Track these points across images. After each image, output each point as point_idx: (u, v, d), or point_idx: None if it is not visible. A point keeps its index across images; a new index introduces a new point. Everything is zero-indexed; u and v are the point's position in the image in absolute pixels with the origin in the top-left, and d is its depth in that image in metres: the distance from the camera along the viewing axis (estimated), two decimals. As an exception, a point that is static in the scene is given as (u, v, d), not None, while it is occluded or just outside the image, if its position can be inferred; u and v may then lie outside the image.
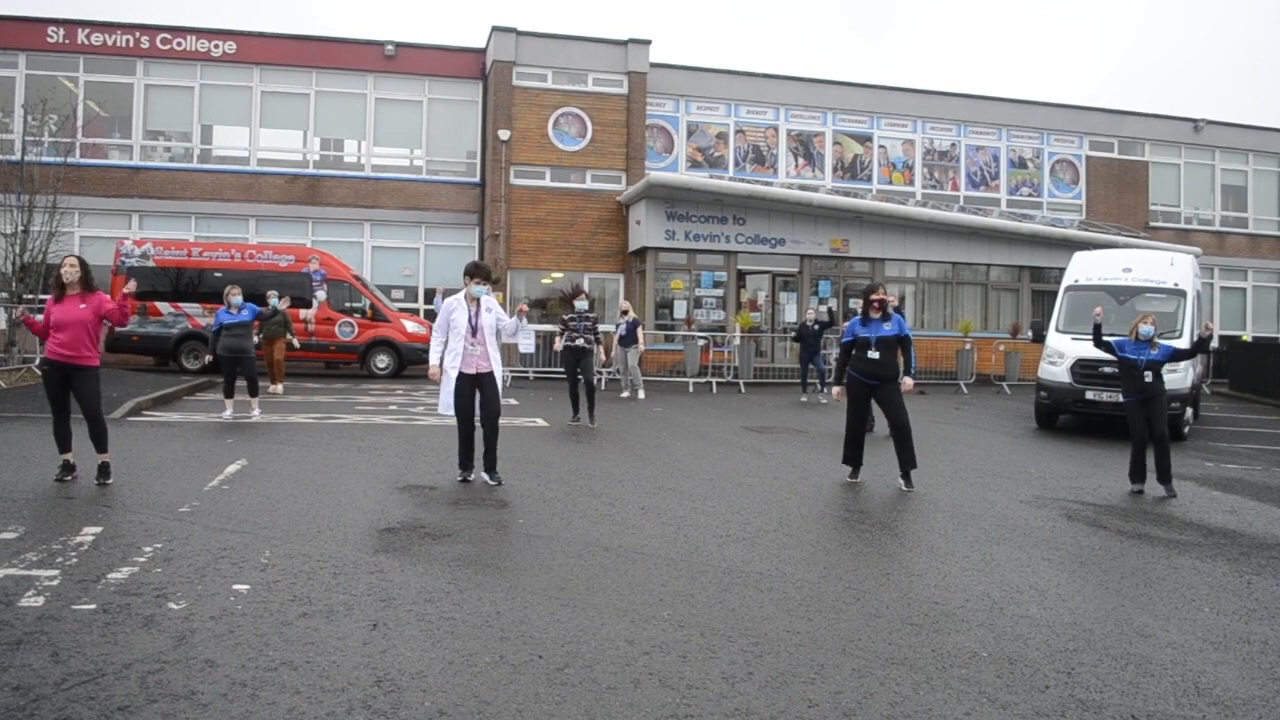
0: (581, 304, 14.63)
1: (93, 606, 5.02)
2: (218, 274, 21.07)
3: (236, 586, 5.47)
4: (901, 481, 9.62)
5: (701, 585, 5.88)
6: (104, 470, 8.39)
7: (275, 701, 3.95)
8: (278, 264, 21.66)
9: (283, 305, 16.73)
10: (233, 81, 26.94)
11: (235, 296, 13.93)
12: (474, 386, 8.96)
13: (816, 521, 7.98)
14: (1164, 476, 9.96)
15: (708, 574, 6.13)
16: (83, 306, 8.36)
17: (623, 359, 18.78)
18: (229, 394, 13.61)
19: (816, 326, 19.79)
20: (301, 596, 5.34)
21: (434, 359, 8.96)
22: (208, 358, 13.90)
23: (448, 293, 18.25)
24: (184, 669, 4.25)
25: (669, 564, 6.33)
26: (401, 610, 5.16)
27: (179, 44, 26.49)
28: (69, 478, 8.39)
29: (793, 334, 21.39)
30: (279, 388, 17.28)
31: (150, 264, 21.28)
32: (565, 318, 14.76)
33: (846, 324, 10.10)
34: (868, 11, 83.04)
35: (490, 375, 8.98)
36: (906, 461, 9.62)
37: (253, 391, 13.93)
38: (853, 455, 9.91)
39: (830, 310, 22.64)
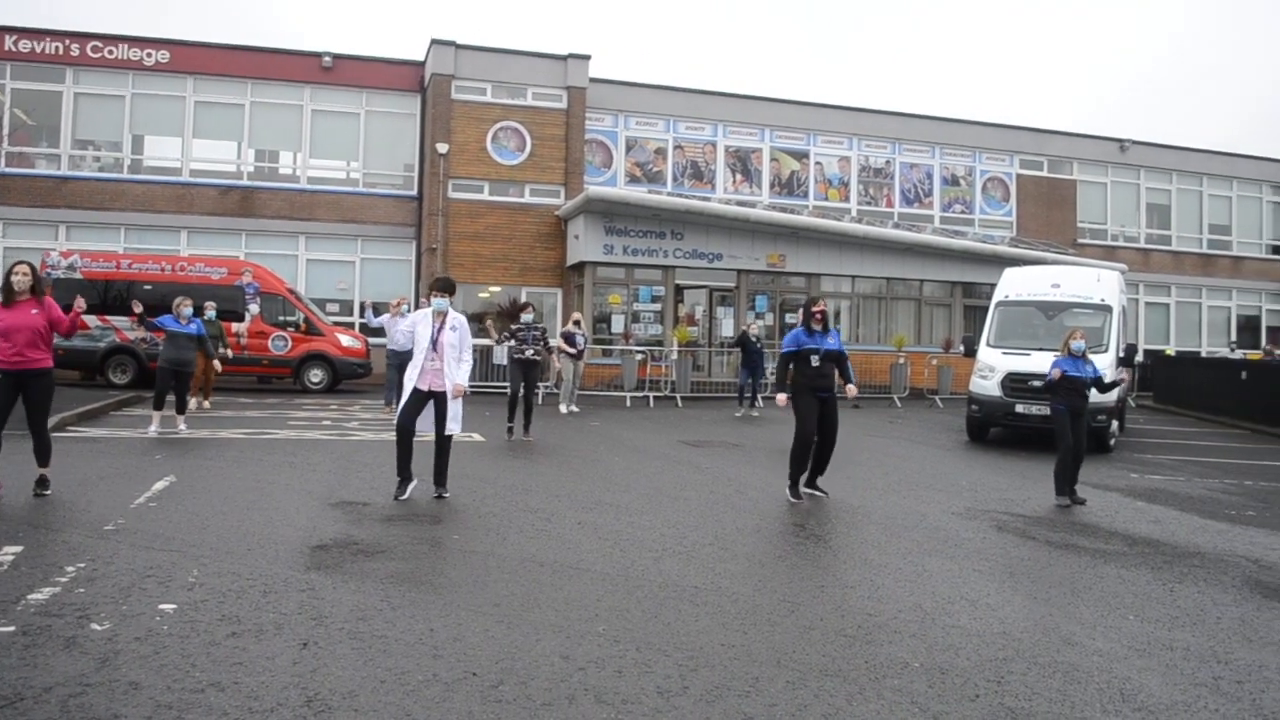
0: (528, 316, 14.60)
1: (11, 629, 4.87)
2: (148, 286, 20.63)
3: (163, 606, 5.35)
4: (808, 488, 9.90)
5: (637, 600, 5.87)
6: (43, 482, 8.36)
7: (201, 723, 3.86)
8: (210, 277, 21.25)
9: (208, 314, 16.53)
10: (166, 91, 26.42)
11: (186, 308, 13.72)
12: (426, 402, 8.94)
13: (752, 535, 8.02)
14: (1073, 486, 10.26)
15: (643, 588, 6.12)
16: (34, 312, 8.25)
17: (570, 371, 18.69)
18: (159, 406, 13.24)
19: (759, 343, 19.96)
20: (230, 616, 5.23)
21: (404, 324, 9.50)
22: (137, 308, 13.37)
23: (378, 306, 18.16)
24: (107, 692, 4.14)
25: (605, 579, 6.32)
26: (333, 628, 5.08)
27: (111, 52, 25.94)
28: None
29: (731, 342, 21.51)
30: (205, 403, 16.91)
31: (77, 276, 20.70)
32: (514, 328, 14.64)
33: (789, 334, 10.16)
34: (811, 28, 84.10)
35: (445, 395, 8.93)
36: (821, 468, 10.01)
37: (180, 408, 13.63)
38: (801, 465, 9.79)
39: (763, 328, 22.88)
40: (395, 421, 9.09)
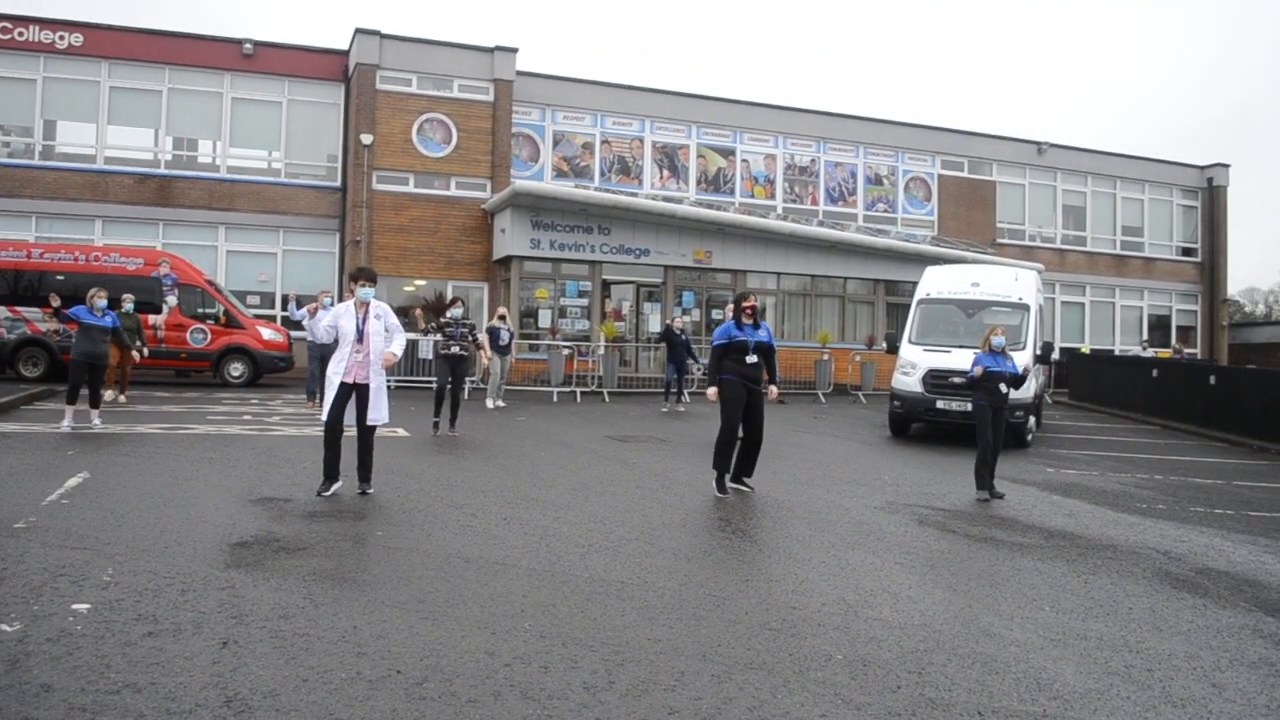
0: (456, 310, 14.47)
1: (-85, 630, 4.71)
2: (60, 276, 20.04)
3: (76, 606, 5.20)
4: (734, 484, 10.00)
5: (563, 595, 5.87)
6: None
7: (116, 726, 3.77)
8: (125, 267, 20.69)
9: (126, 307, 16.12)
10: (79, 75, 25.65)
11: (100, 299, 13.41)
12: (350, 396, 8.80)
13: (678, 530, 8.06)
14: (991, 481, 10.46)
15: (570, 584, 6.12)
16: None
17: (498, 366, 18.52)
18: (72, 400, 12.92)
19: (684, 335, 19.95)
20: (147, 615, 5.11)
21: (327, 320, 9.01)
22: (54, 302, 13.26)
23: (300, 299, 17.87)
24: (17, 695, 4.02)
25: (531, 574, 6.30)
26: (254, 627, 5.00)
27: (20, 34, 25.08)
28: None
29: (657, 337, 21.48)
30: (121, 397, 16.45)
31: (-15, 265, 20.08)
32: (441, 323, 14.50)
33: (720, 327, 10.22)
34: (737, 27, 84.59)
35: (368, 387, 8.83)
36: (748, 470, 10.07)
37: (94, 402, 13.27)
38: (726, 459, 9.86)
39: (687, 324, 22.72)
40: (324, 419, 8.86)
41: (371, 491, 8.84)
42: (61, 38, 25.35)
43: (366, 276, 8.96)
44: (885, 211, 32.72)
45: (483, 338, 16.99)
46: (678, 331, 19.91)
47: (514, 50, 27.39)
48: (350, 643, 4.84)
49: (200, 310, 21.29)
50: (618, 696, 4.33)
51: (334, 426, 8.77)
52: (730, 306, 10.71)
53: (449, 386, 14.09)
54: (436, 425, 14.03)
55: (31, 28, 25.22)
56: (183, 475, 9.49)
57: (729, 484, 9.92)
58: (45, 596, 5.35)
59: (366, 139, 25.71)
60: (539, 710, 4.13)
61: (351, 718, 3.96)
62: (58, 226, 25.18)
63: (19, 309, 20.08)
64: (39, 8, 27.17)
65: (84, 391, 13.16)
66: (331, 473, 8.84)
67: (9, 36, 25.03)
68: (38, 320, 19.95)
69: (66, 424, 12.68)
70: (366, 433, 8.93)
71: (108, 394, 15.73)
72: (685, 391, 20.31)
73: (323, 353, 13.25)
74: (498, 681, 4.43)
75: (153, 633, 4.84)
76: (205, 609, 5.26)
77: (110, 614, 5.11)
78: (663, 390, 20.54)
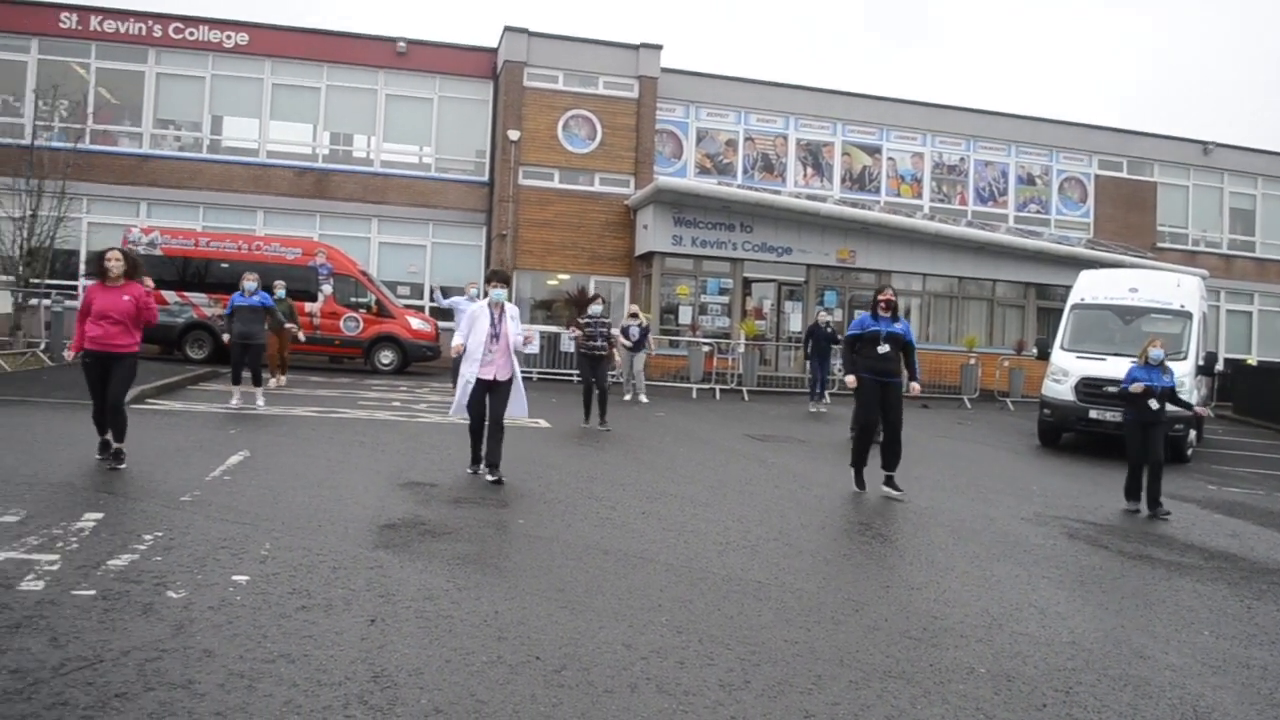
0: (597, 308, 14.60)
1: (92, 592, 5.02)
2: (224, 264, 21.13)
3: (236, 577, 5.47)
4: (885, 487, 9.73)
5: (700, 592, 5.87)
6: (118, 455, 8.61)
7: (272, 694, 3.95)
8: (284, 256, 21.67)
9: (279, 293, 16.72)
10: (244, 73, 26.94)
11: (250, 282, 13.98)
12: (486, 393, 9.10)
13: (817, 532, 7.97)
14: (1154, 503, 9.95)
15: (707, 581, 6.13)
16: (126, 299, 8.67)
17: (629, 363, 18.50)
18: (236, 380, 13.77)
19: (829, 329, 19.30)
20: (300, 589, 5.34)
21: (458, 339, 9.17)
22: (225, 337, 13.98)
23: (446, 290, 18.26)
24: (182, 658, 4.25)
25: (668, 569, 6.33)
26: (400, 607, 5.16)
27: (191, 34, 26.49)
28: (107, 456, 8.69)
29: (803, 334, 21.07)
30: (281, 380, 17.12)
31: (157, 252, 21.26)
32: (582, 321, 14.62)
33: (855, 319, 10.13)
34: (886, 22, 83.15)
35: (505, 385, 9.12)
36: (892, 461, 9.78)
37: (256, 380, 13.94)
38: (861, 454, 9.86)
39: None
40: (466, 421, 9.39)
41: (505, 481, 8.96)
42: (229, 37, 26.65)
43: (500, 279, 9.22)
44: (1038, 212, 31.63)
45: (616, 334, 16.96)
46: (823, 324, 19.29)
47: (659, 47, 27.50)
48: (491, 627, 4.95)
49: (353, 299, 22.09)
50: (753, 696, 4.31)
51: (478, 429, 9.28)
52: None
53: (594, 383, 14.20)
54: (588, 422, 14.20)
55: (202, 28, 26.59)
56: (335, 458, 9.88)
57: (883, 488, 9.72)
58: (208, 567, 5.64)
59: (514, 135, 26.21)
60: (674, 705, 4.14)
61: (491, 700, 4.05)
62: (223, 217, 26.49)
63: (187, 294, 21.22)
64: (209, 9, 28.63)
65: (246, 374, 13.85)
66: (477, 458, 9.39)
67: (181, 36, 26.45)
68: (204, 305, 21.06)
69: (234, 402, 13.55)
70: (499, 428, 9.18)
71: (271, 381, 16.37)
72: (827, 392, 19.85)
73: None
74: (634, 674, 4.46)
75: (306, 606, 5.05)
76: (355, 586, 5.46)
77: (267, 586, 5.35)
78: (807, 390, 20.20)
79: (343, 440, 11.14)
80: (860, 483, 9.86)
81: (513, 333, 9.11)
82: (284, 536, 6.46)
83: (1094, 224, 31.93)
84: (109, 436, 8.70)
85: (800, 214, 25.42)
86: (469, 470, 9.37)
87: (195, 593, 5.15)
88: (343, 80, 27.44)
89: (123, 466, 8.44)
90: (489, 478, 8.98)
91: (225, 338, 14.11)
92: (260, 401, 13.79)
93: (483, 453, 9.27)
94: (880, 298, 9.84)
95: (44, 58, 25.87)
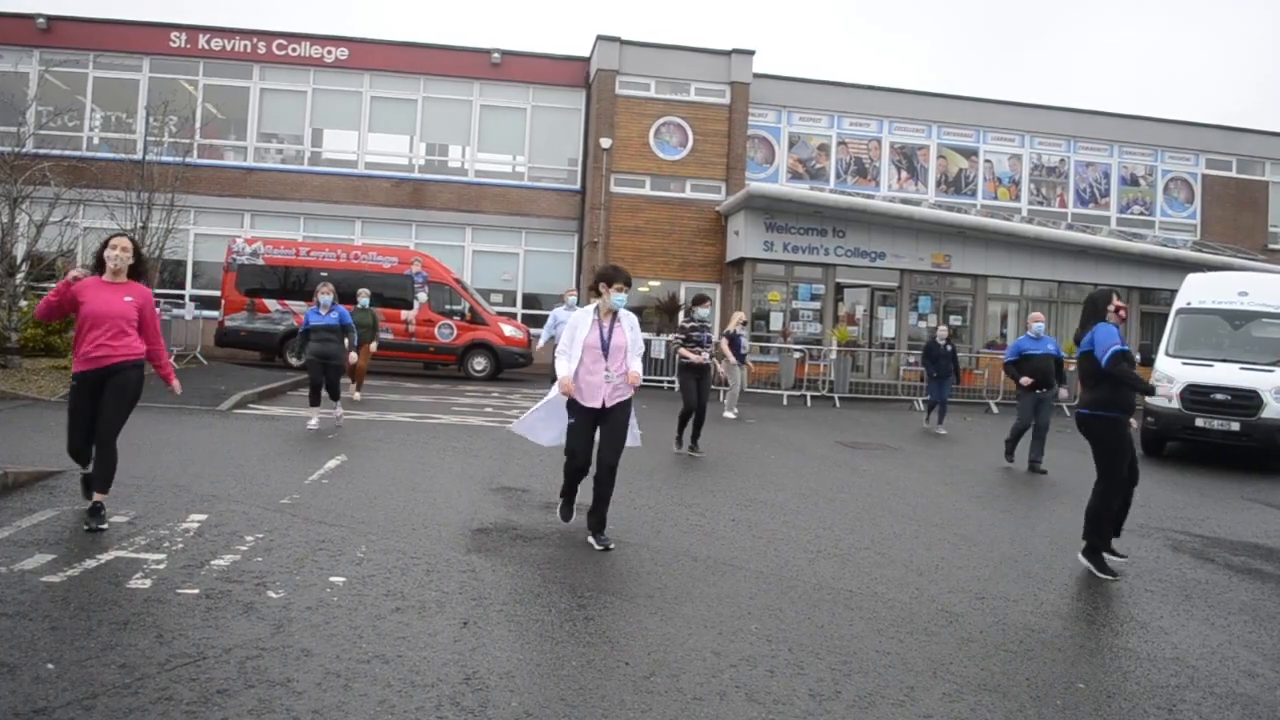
0: (704, 311, 12.82)
1: (196, 591, 5.20)
2: (323, 274, 21.62)
3: (333, 578, 5.61)
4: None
5: (790, 600, 5.83)
6: (96, 513, 6.42)
7: (367, 694, 4.03)
8: (381, 265, 22.14)
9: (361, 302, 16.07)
10: (343, 87, 27.66)
11: (325, 295, 12.82)
12: (595, 423, 7.06)
13: (910, 541, 7.84)
14: None
15: (797, 589, 6.08)
16: (127, 299, 6.66)
17: (738, 376, 17.10)
18: (315, 401, 12.57)
19: (950, 347, 17.51)
20: (395, 591, 5.44)
21: (563, 369, 6.94)
22: (293, 360, 12.78)
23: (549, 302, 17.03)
24: (281, 656, 4.37)
25: (758, 577, 6.30)
26: (492, 610, 5.23)
27: (294, 49, 27.30)
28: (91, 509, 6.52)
29: (891, 341, 20.41)
30: (358, 394, 16.18)
31: (260, 262, 21.97)
32: (687, 326, 12.65)
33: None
34: (979, 23, 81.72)
35: (620, 408, 7.08)
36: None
37: (334, 395, 12.79)
38: (1107, 521, 7.39)
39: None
40: (531, 435, 7.57)
41: (608, 546, 6.83)
42: (329, 52, 27.40)
43: (622, 279, 7.08)
44: (1141, 214, 30.72)
45: (723, 344, 15.83)
46: (942, 343, 17.41)
47: (751, 53, 27.45)
48: (581, 632, 4.98)
49: (448, 306, 22.46)
50: (844, 707, 4.26)
51: (583, 467, 7.15)
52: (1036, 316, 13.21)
53: (696, 400, 12.18)
54: (681, 448, 12.28)
55: (303, 44, 27.39)
56: (429, 462, 10.05)
57: (1107, 561, 7.19)
58: (306, 568, 5.79)
59: (605, 143, 26.40)
60: (764, 713, 4.12)
61: (581, 704, 4.07)
62: (323, 227, 27.24)
63: (288, 302, 21.81)
64: (310, 25, 29.34)
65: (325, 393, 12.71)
66: (570, 502, 7.43)
67: (284, 52, 27.29)
68: (303, 313, 21.59)
69: (313, 423, 12.35)
70: (610, 475, 7.04)
71: (354, 394, 15.75)
72: (930, 414, 17.52)
73: None
74: (723, 681, 4.44)
75: (400, 608, 5.15)
76: (448, 589, 5.55)
77: (363, 588, 5.46)
78: (909, 399, 19.49)
79: (436, 445, 11.33)
80: (1104, 565, 7.15)
81: (630, 346, 7.08)
82: (379, 539, 6.60)
83: (1201, 225, 30.89)
84: (89, 470, 6.66)
85: (894, 218, 25.10)
86: (560, 518, 7.44)
87: (294, 593, 5.29)
88: (438, 92, 27.97)
89: (104, 528, 6.36)
90: (595, 545, 6.81)
91: (294, 360, 12.16)
92: (339, 412, 13.06)
93: (575, 502, 7.44)
94: (1115, 304, 7.54)
95: (155, 76, 26.93)
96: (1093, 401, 7.25)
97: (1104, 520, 7.15)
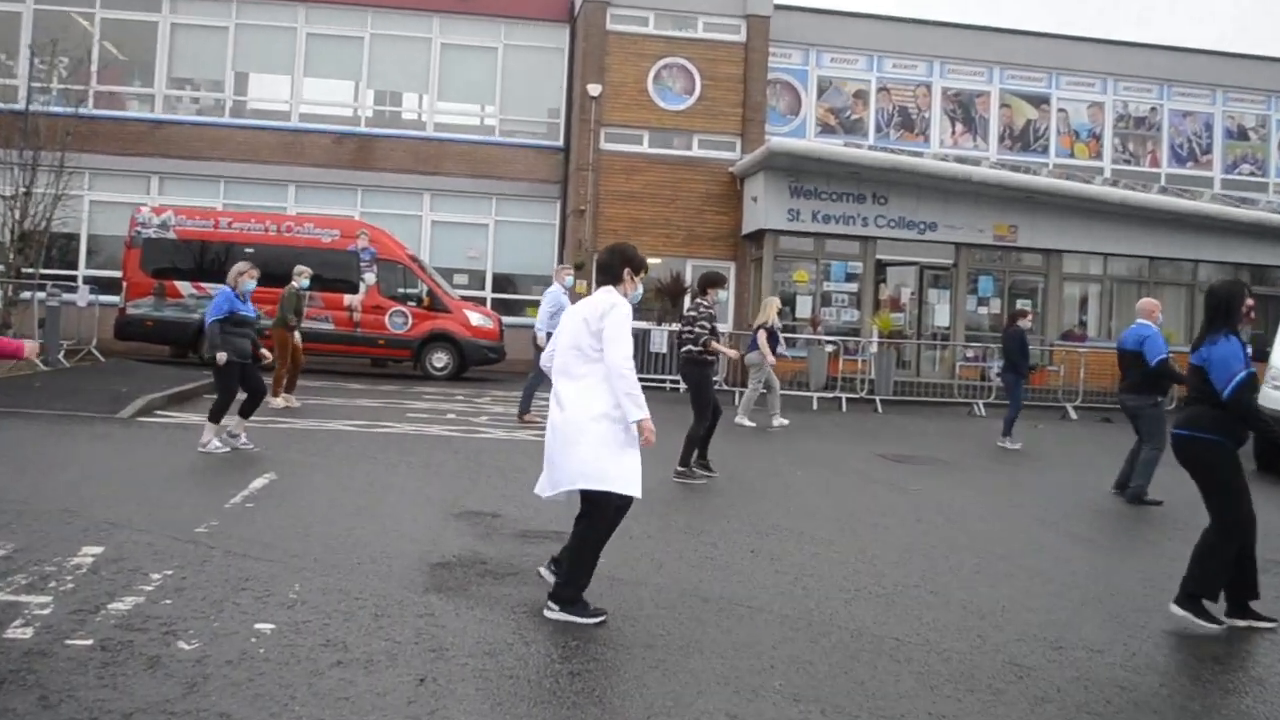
0: (723, 293, 12.40)
1: (89, 642, 5.15)
2: (249, 249, 21.44)
3: (259, 626, 5.56)
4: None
5: (823, 650, 5.80)
6: None
7: (300, 769, 3.99)
8: (320, 239, 22.04)
9: (300, 283, 15.58)
10: (273, 22, 27.57)
11: (249, 281, 11.63)
12: None
13: (971, 577, 7.81)
14: None
15: (831, 636, 6.05)
16: None
17: (766, 374, 16.96)
18: (216, 417, 11.28)
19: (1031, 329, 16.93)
20: (336, 641, 5.40)
21: (640, 408, 6.14)
22: (221, 356, 11.05)
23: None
24: (194, 723, 4.32)
25: (783, 622, 6.27)
26: (455, 664, 5.19)
27: (213, -24, 27.25)
28: None
29: (947, 331, 20.19)
30: (295, 401, 15.64)
31: (170, 236, 21.86)
32: (702, 307, 11.70)
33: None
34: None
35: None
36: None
37: (243, 411, 11.64)
38: (1229, 569, 7.03)
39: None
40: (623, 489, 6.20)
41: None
42: (256, -22, 27.32)
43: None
44: (1253, 174, 30.75)
45: (761, 339, 15.95)
46: (1025, 329, 16.80)
47: (772, -21, 27.44)
48: (565, 690, 4.94)
49: (401, 290, 22.39)
50: (891, 782, 4.23)
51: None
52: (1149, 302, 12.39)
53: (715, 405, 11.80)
54: (687, 469, 11.49)
55: (226, -32, 27.29)
56: (378, 481, 10.02)
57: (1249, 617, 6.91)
58: (226, 612, 5.75)
59: (594, 90, 26.31)
60: (792, 791, 4.08)
61: (566, 782, 4.04)
62: (247, 192, 27.13)
63: (204, 285, 21.51)
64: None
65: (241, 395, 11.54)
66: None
67: (201, -22, 27.21)
68: (224, 299, 21.51)
69: (208, 443, 11.08)
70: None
71: (276, 401, 15.03)
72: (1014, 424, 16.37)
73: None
74: (741, 751, 4.41)
75: (342, 662, 5.10)
76: (401, 638, 5.50)
77: (296, 637, 5.42)
78: (967, 402, 19.41)
79: (387, 460, 11.30)
80: (1213, 616, 6.86)
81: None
82: (316, 576, 6.56)
83: (1326, 189, 30.96)
84: None
85: (948, 180, 25.11)
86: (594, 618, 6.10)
87: (211, 644, 5.24)
88: (390, 28, 27.90)
89: None
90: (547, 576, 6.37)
91: (221, 357, 11.14)
92: (243, 437, 11.62)
93: None
94: (1249, 303, 7.40)
95: (41, 8, 26.78)
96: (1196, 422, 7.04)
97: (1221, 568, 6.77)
